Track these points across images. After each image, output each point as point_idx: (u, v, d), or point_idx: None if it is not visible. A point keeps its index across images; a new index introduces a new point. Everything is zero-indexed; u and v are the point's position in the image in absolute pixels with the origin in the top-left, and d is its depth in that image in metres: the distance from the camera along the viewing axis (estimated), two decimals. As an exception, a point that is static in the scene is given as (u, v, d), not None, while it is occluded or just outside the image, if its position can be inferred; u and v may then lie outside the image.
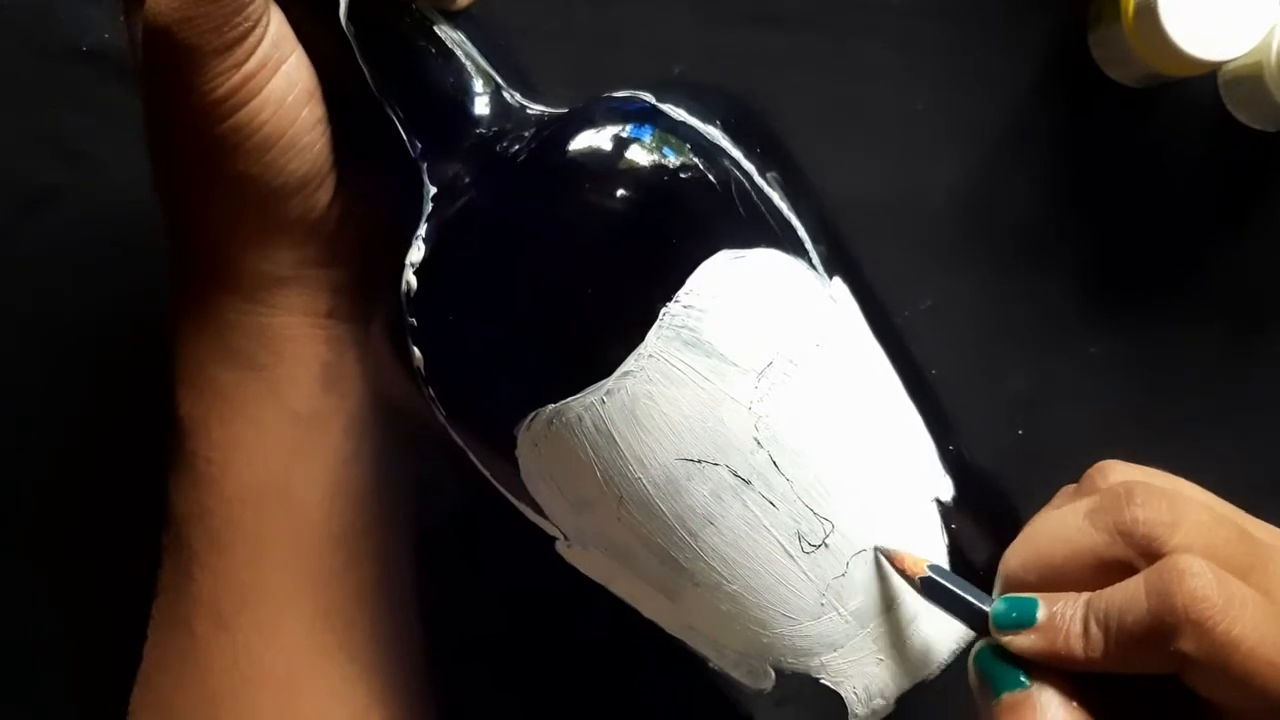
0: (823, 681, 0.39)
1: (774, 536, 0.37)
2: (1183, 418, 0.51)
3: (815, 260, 0.38)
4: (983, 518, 0.40)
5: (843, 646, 0.38)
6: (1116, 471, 0.36)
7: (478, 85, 0.39)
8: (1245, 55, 0.47)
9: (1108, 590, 0.33)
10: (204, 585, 0.41)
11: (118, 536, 0.49)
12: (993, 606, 0.35)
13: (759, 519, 0.37)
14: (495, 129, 0.39)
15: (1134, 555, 0.33)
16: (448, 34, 0.39)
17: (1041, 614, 0.34)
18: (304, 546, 0.41)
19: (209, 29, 0.36)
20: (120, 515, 0.49)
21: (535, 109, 0.39)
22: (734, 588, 0.37)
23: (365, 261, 0.42)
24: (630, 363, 0.35)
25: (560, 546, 0.39)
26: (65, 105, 0.51)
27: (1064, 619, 0.33)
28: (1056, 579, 0.34)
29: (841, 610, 0.38)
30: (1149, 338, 0.52)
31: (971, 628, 0.36)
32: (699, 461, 0.36)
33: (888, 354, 0.40)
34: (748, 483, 0.36)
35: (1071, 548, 0.34)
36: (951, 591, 0.36)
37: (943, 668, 0.40)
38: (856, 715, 0.39)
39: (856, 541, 0.37)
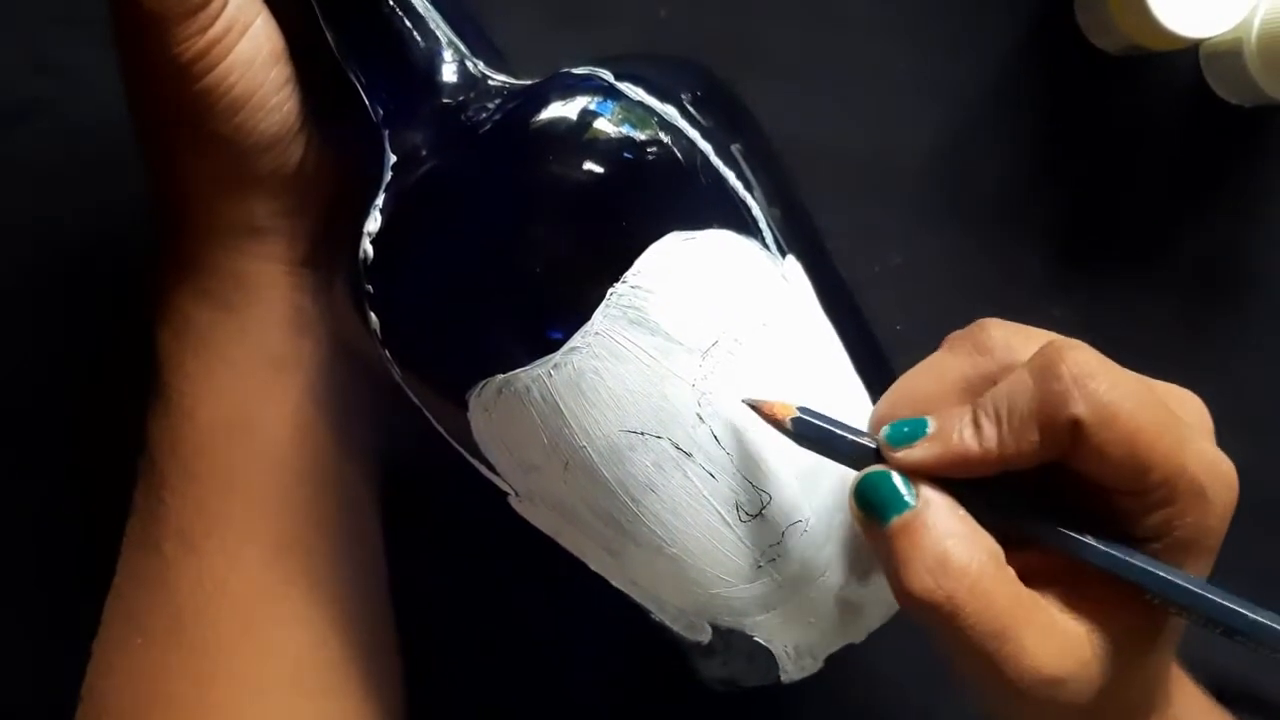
0: (756, 639, 0.41)
1: (713, 505, 0.38)
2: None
3: (769, 240, 0.39)
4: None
5: (776, 609, 0.40)
6: (994, 323, 0.36)
7: (441, 54, 0.40)
8: (1226, 32, 0.47)
9: (992, 390, 0.34)
10: (174, 509, 0.43)
11: (96, 453, 0.50)
12: (884, 429, 0.35)
13: (699, 489, 0.38)
14: (459, 99, 0.39)
15: (996, 369, 0.35)
16: (412, 1, 0.39)
17: (931, 426, 0.35)
18: (270, 479, 0.43)
19: None
20: (99, 430, 0.50)
21: (498, 79, 0.40)
22: (673, 550, 0.39)
23: (338, 211, 0.43)
24: (577, 339, 0.36)
25: (512, 500, 0.41)
26: (46, 19, 0.51)
27: (954, 422, 0.34)
28: (927, 411, 0.35)
29: (776, 576, 0.39)
30: (1113, 302, 0.53)
31: (848, 463, 0.36)
32: (642, 434, 0.37)
33: (839, 330, 0.40)
34: (689, 455, 0.38)
35: (936, 378, 0.36)
36: (827, 430, 0.36)
37: (870, 631, 0.42)
38: (786, 671, 0.41)
39: (792, 513, 0.39)
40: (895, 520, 0.34)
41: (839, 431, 0.36)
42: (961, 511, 0.34)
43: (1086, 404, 0.32)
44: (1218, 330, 0.53)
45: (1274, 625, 0.33)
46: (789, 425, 0.36)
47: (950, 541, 0.33)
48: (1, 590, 0.53)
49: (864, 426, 0.38)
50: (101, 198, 0.51)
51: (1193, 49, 0.51)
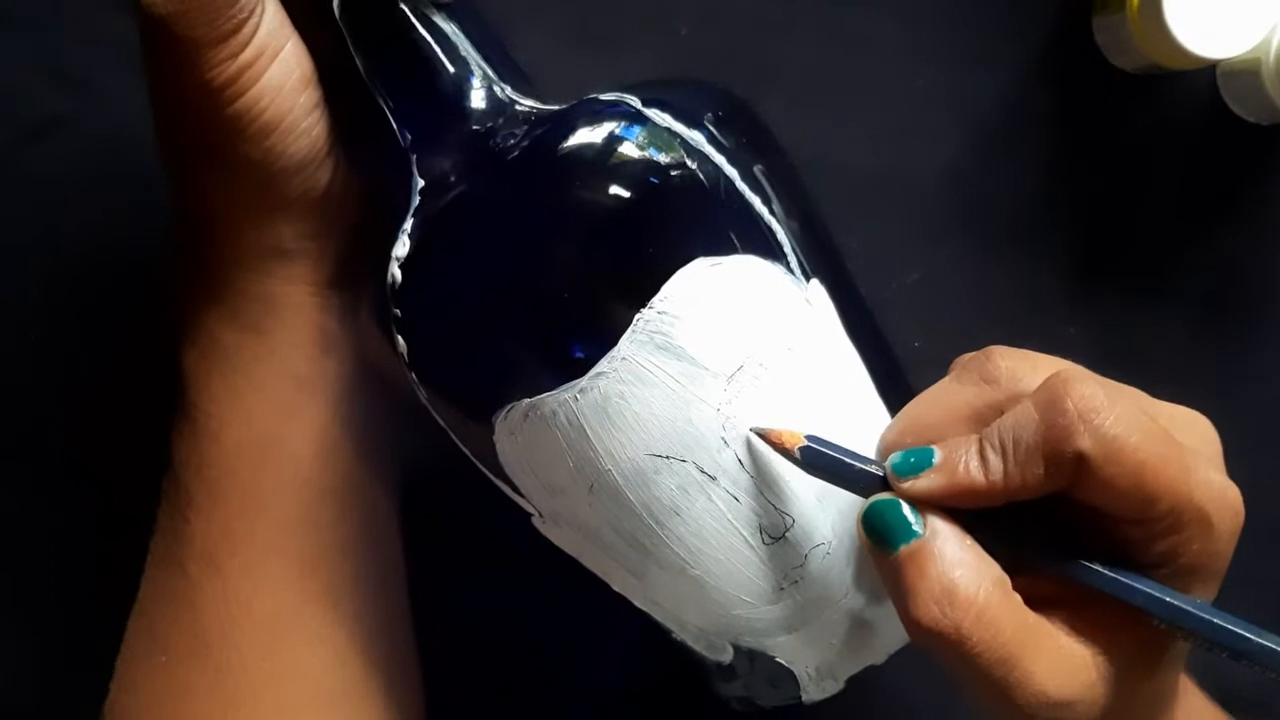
0: (778, 659, 0.41)
1: (736, 528, 0.39)
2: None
3: (793, 264, 0.39)
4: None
5: (798, 630, 0.40)
6: (1000, 352, 0.36)
7: (470, 79, 0.40)
8: (1244, 52, 0.47)
9: (996, 421, 0.34)
10: (198, 529, 0.43)
11: (119, 467, 0.50)
12: (890, 459, 0.35)
13: (723, 512, 0.38)
14: (487, 124, 0.39)
15: (1003, 399, 0.35)
16: (441, 26, 0.40)
17: (938, 456, 0.35)
18: (294, 499, 0.43)
19: (204, 21, 0.37)
20: (120, 445, 0.51)
21: (526, 105, 0.40)
22: (696, 572, 0.39)
23: (365, 234, 0.43)
24: (604, 364, 0.36)
25: (535, 521, 0.41)
26: (70, 33, 0.51)
27: (960, 453, 0.34)
28: (934, 440, 0.35)
29: (798, 597, 0.40)
30: (1128, 321, 0.53)
31: (857, 491, 0.36)
32: (667, 458, 0.37)
33: (861, 353, 0.41)
34: (713, 479, 0.38)
35: (943, 407, 0.36)
36: (835, 458, 0.36)
37: (891, 654, 0.42)
38: (807, 692, 0.42)
39: (815, 535, 0.39)
40: (903, 549, 0.34)
41: (847, 460, 0.37)
42: (969, 540, 0.34)
43: (1091, 438, 0.32)
44: (1233, 349, 0.53)
45: (1278, 648, 0.33)
46: (797, 454, 0.37)
47: (958, 572, 0.33)
48: (22, 606, 0.53)
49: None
50: (122, 214, 0.52)
51: (1210, 68, 0.51)
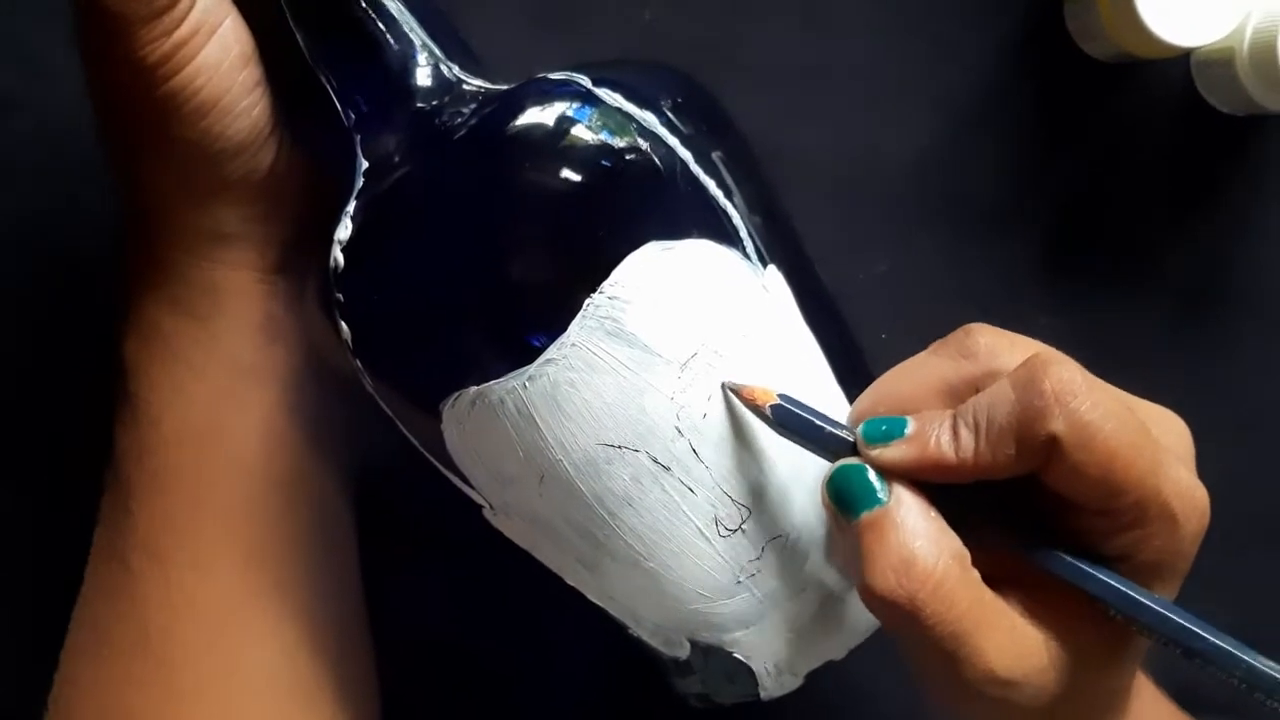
0: (735, 655, 0.40)
1: (691, 520, 0.38)
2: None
3: (749, 249, 0.38)
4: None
5: (755, 625, 0.39)
6: (980, 329, 0.36)
7: (415, 57, 0.39)
8: (1217, 41, 0.47)
9: (973, 398, 0.34)
10: (141, 521, 0.42)
11: (61, 457, 0.49)
12: (862, 425, 0.35)
13: (677, 503, 0.37)
14: (433, 103, 0.38)
15: (979, 375, 0.35)
16: (384, 2, 0.39)
17: (910, 427, 0.34)
18: (239, 491, 0.42)
19: None
20: (62, 434, 0.50)
21: (474, 84, 0.39)
22: (651, 565, 0.38)
23: (310, 217, 0.42)
24: (553, 350, 0.35)
25: (487, 513, 0.40)
26: (25, 14, 0.50)
27: (933, 427, 0.34)
28: (907, 411, 0.35)
29: (755, 591, 0.39)
30: (1101, 311, 0.52)
31: (825, 455, 0.36)
32: (619, 447, 0.37)
33: (820, 341, 0.40)
34: (667, 469, 0.37)
35: (918, 379, 0.36)
36: (805, 419, 0.36)
37: (850, 648, 0.41)
38: (765, 688, 0.41)
39: (772, 528, 0.38)
40: (865, 515, 0.34)
41: (818, 422, 0.36)
42: (933, 513, 0.34)
43: (1066, 422, 0.32)
44: (1207, 339, 0.52)
45: (1233, 650, 0.33)
46: (768, 411, 0.36)
47: (918, 542, 0.33)
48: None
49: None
50: (76, 199, 0.50)
51: (1184, 57, 0.51)
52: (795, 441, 0.36)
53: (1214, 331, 0.52)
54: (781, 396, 0.36)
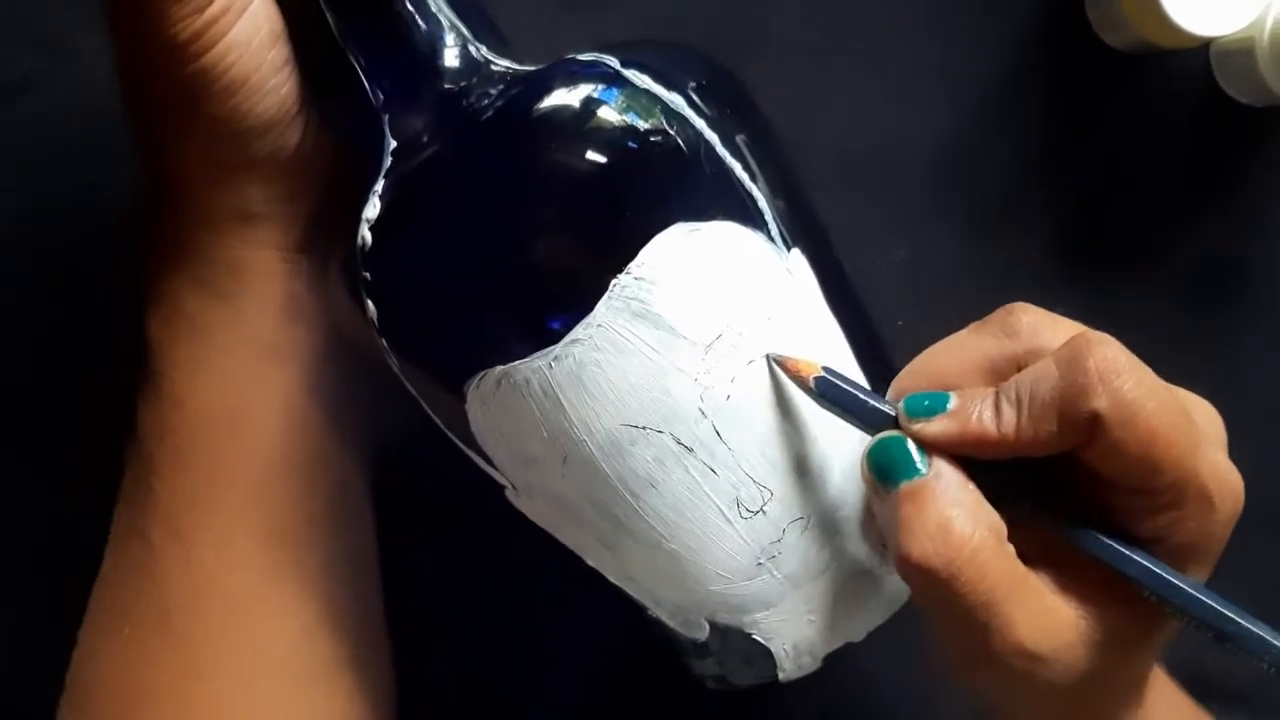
0: (754, 637, 0.40)
1: (713, 501, 0.38)
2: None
3: (774, 232, 0.38)
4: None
5: (775, 606, 0.40)
6: (1023, 308, 0.37)
7: (444, 37, 0.39)
8: (1238, 31, 0.47)
9: (1016, 375, 0.34)
10: (163, 498, 0.42)
11: (83, 435, 0.49)
12: (904, 400, 0.35)
13: (699, 484, 0.38)
14: (461, 84, 0.38)
15: (1021, 353, 0.35)
16: None
17: (953, 402, 0.35)
18: (260, 470, 0.42)
19: None
20: (85, 413, 0.50)
21: (501, 65, 0.39)
22: (672, 546, 0.38)
23: (336, 198, 0.42)
24: (579, 331, 0.35)
25: (509, 494, 0.40)
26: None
27: (975, 403, 0.34)
28: (948, 387, 0.35)
29: (776, 573, 0.39)
30: (1118, 300, 0.52)
31: (866, 429, 0.36)
32: (643, 428, 0.37)
33: (842, 324, 0.40)
34: (690, 450, 0.37)
35: (959, 356, 0.36)
36: (848, 391, 0.36)
37: (869, 631, 0.41)
38: (784, 670, 0.41)
39: (794, 509, 0.38)
40: (905, 485, 0.34)
41: (861, 395, 0.36)
42: (971, 486, 0.34)
43: (1109, 399, 0.32)
44: (1224, 331, 0.52)
45: (1266, 635, 0.33)
46: (811, 384, 0.36)
47: (955, 511, 0.33)
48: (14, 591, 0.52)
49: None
50: (95, 179, 0.51)
51: (1203, 47, 0.51)
52: (836, 414, 0.37)
53: (1232, 321, 0.52)
54: (825, 369, 0.37)
